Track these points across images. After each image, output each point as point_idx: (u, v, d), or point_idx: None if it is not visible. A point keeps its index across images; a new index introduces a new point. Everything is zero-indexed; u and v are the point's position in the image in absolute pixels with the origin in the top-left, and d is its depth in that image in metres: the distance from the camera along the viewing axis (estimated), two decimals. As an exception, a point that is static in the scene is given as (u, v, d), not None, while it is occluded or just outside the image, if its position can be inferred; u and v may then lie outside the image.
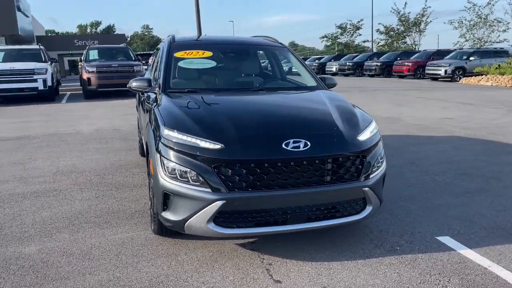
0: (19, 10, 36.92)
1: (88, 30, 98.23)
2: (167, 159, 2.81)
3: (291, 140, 2.82)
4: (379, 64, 28.17)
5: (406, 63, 25.45)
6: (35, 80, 13.19)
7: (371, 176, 3.02)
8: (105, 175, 4.99)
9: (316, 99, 3.68)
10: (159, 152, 2.88)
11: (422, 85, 19.37)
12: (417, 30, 40.35)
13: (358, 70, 30.35)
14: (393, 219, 3.66)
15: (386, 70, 27.56)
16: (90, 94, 14.49)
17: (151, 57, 6.18)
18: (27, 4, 42.05)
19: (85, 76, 14.10)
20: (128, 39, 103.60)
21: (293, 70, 4.62)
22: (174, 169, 2.76)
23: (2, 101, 13.99)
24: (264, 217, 2.81)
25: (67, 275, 2.74)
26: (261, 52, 4.68)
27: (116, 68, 14.37)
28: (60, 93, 16.92)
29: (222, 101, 3.49)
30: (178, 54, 4.06)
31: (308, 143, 2.83)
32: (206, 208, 2.68)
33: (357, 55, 33.65)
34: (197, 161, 2.72)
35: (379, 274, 2.76)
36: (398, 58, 27.44)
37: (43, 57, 14.67)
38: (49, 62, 14.62)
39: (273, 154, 2.76)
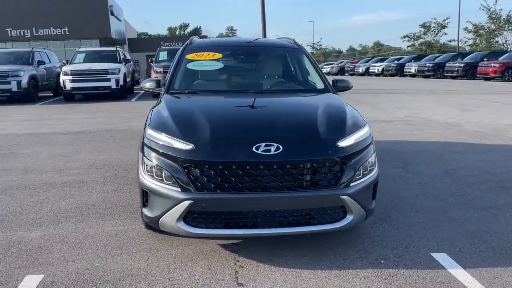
0: (112, 14, 39.99)
1: (177, 32, 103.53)
2: (147, 158, 2.92)
3: (263, 144, 2.78)
4: (462, 65, 26.23)
5: (492, 64, 23.42)
6: (109, 80, 14.28)
7: (352, 184, 2.87)
8: (132, 170, 5.28)
9: (310, 103, 3.58)
10: (142, 151, 3.01)
11: (506, 89, 17.73)
12: (510, 28, 37.00)
13: (438, 71, 28.54)
14: (394, 230, 3.44)
15: (470, 72, 25.58)
16: (158, 93, 15.30)
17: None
18: (120, 9, 45.34)
19: (153, 76, 14.94)
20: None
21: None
22: (152, 168, 2.87)
23: (83, 98, 15.28)
24: (234, 220, 2.80)
25: (52, 261, 2.96)
26: (276, 54, 4.66)
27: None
28: (134, 91, 18.09)
29: (212, 103, 3.55)
30: (189, 56, 4.18)
31: (281, 147, 2.78)
32: (176, 207, 2.74)
33: (439, 56, 31.67)
34: (170, 160, 2.79)
35: (347, 287, 2.63)
36: (485, 59, 25.32)
37: (118, 58, 15.83)
38: (123, 63, 15.71)
39: (242, 157, 2.75)
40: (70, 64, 15.23)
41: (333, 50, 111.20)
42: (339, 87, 4.16)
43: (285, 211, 2.81)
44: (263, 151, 2.75)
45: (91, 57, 15.77)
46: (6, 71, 13.56)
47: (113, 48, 16.93)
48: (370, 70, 36.33)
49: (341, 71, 42.96)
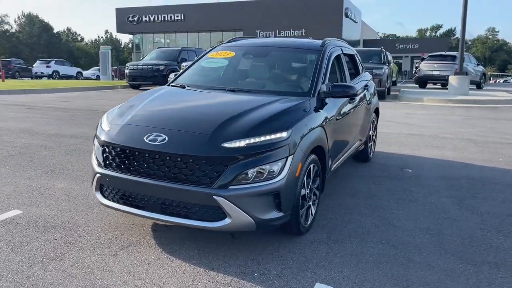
0: (347, 16, 41.38)
1: (428, 34, 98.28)
2: (96, 138, 3.54)
3: (154, 134, 3.03)
4: None
5: None
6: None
7: (232, 187, 2.82)
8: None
9: (251, 104, 3.43)
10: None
11: None
12: None
13: None
14: (297, 254, 3.10)
15: None
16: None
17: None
18: (357, 11, 46.37)
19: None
20: (469, 43, 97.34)
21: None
22: (93, 146, 3.49)
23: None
24: (128, 198, 3.16)
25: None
26: (286, 55, 4.52)
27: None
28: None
29: (168, 95, 3.88)
30: (210, 54, 4.56)
31: (167, 138, 2.97)
32: (94, 179, 3.31)
33: None
34: (97, 139, 3.36)
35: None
36: None
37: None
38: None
39: (133, 143, 3.07)
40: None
41: None
42: (334, 93, 3.81)
43: (166, 200, 2.99)
44: (150, 140, 3.00)
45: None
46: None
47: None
48: None
49: None
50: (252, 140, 2.92)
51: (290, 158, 3.00)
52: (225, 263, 2.94)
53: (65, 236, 3.28)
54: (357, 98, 4.76)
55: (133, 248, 3.12)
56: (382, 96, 15.41)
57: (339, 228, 3.58)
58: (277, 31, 41.64)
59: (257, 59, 4.55)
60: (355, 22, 45.85)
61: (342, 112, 4.22)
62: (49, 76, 32.90)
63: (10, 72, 32.25)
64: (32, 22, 71.90)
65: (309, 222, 3.47)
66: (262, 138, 2.95)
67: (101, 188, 3.27)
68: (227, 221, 2.85)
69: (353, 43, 37.67)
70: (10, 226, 3.44)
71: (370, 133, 5.70)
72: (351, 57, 5.45)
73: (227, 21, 41.48)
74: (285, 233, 3.37)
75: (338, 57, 4.63)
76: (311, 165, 3.37)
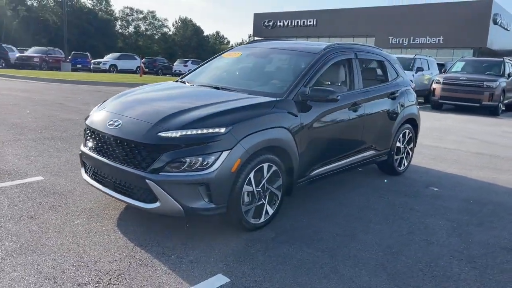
0: (496, 23, 37.36)
1: None
2: None
3: (115, 119, 3.43)
4: None
5: None
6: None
7: (162, 173, 3.07)
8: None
9: (218, 100, 3.62)
10: None
11: None
12: None
13: None
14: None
15: None
16: (434, 104, 14.36)
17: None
18: (510, 17, 41.57)
19: (433, 86, 14.08)
20: None
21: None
22: None
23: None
24: (96, 174, 3.59)
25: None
26: (284, 58, 4.53)
27: (463, 81, 13.46)
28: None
29: (159, 88, 4.23)
30: (224, 55, 4.83)
31: (121, 124, 3.34)
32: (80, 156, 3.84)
33: None
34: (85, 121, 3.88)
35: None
36: None
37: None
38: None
39: (98, 126, 3.50)
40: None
41: None
42: (312, 96, 3.78)
43: (117, 179, 3.35)
44: (109, 125, 3.41)
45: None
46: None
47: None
48: None
49: None
50: (187, 132, 3.12)
51: (225, 153, 3.12)
52: (157, 243, 3.19)
53: (54, 202, 3.87)
54: (365, 105, 4.54)
55: (95, 218, 3.56)
56: (494, 112, 13.88)
57: (294, 231, 3.56)
58: (411, 38, 39.66)
59: (256, 60, 4.67)
60: (507, 30, 41.19)
61: (333, 117, 4.12)
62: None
63: (154, 69, 36.67)
64: (186, 26, 79.68)
65: (261, 220, 3.52)
66: (199, 131, 3.13)
67: (84, 164, 3.78)
68: (157, 204, 3.11)
69: (504, 53, 33.79)
70: (25, 188, 4.17)
71: (399, 145, 5.34)
72: (379, 63, 5.20)
73: (359, 27, 40.81)
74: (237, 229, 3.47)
75: (344, 62, 4.51)
76: (264, 164, 3.42)
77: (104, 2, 72.39)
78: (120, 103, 3.78)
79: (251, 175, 3.34)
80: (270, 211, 3.62)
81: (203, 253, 3.08)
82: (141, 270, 2.80)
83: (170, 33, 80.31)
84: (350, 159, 4.52)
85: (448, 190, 5.04)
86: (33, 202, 3.82)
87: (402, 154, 5.49)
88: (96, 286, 2.57)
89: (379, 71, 5.30)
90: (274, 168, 3.53)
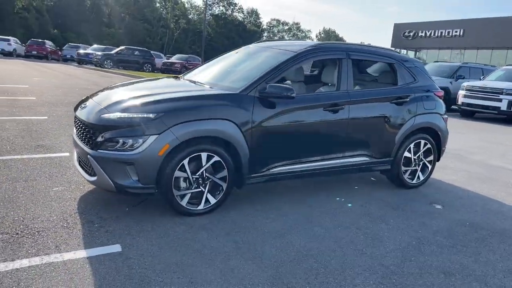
0: None
1: None
2: None
3: (85, 104, 3.95)
4: None
5: None
6: (499, 100, 12.88)
7: (100, 150, 3.48)
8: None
9: (171, 90, 3.94)
10: None
11: None
12: None
13: None
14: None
15: None
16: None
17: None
18: None
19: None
20: None
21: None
22: None
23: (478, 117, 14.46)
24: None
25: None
26: (267, 55, 4.51)
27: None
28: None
29: (147, 82, 4.62)
30: (225, 54, 5.09)
31: (86, 108, 3.84)
32: None
33: None
34: None
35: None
36: None
37: None
38: None
39: (76, 110, 4.06)
40: (483, 80, 14.68)
41: None
42: (269, 92, 3.81)
43: (80, 155, 3.84)
44: (80, 108, 3.95)
45: (509, 75, 14.18)
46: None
47: None
48: None
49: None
50: (122, 115, 3.47)
51: (153, 137, 3.39)
52: (96, 213, 3.60)
53: (59, 173, 4.57)
54: (351, 107, 4.31)
55: (77, 189, 4.12)
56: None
57: (230, 222, 3.64)
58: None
59: (243, 58, 4.78)
60: None
61: (299, 116, 4.06)
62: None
63: None
64: (328, 37, 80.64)
65: (199, 207, 3.68)
66: (132, 115, 3.46)
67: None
68: (95, 178, 3.54)
69: None
70: (50, 160, 4.98)
71: (408, 155, 4.88)
72: (388, 66, 4.87)
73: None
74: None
75: (331, 62, 4.37)
76: (203, 153, 3.59)
77: (254, 15, 77.47)
78: (104, 91, 4.31)
79: (185, 162, 3.53)
80: (212, 200, 3.75)
81: (124, 227, 3.38)
82: (61, 230, 3.22)
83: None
84: (329, 162, 4.34)
85: (452, 210, 4.47)
86: (44, 173, 4.55)
87: (415, 166, 5.00)
88: (14, 236, 3.07)
89: (386, 74, 4.94)
90: (216, 158, 3.66)
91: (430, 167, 5.14)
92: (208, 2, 73.48)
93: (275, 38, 79.77)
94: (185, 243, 3.20)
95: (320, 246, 3.32)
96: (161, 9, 70.17)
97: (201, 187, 3.67)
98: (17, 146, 5.47)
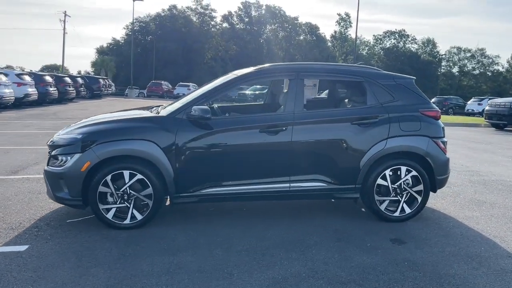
0: None
1: None
2: None
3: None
4: None
5: None
6: None
7: (47, 167, 4.14)
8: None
9: (115, 117, 4.35)
10: None
11: None
12: None
13: None
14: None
15: None
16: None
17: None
18: None
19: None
20: None
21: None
22: None
23: None
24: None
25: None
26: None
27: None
28: None
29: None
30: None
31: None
32: None
33: None
34: None
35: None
36: None
37: None
38: None
39: None
40: None
41: None
42: (192, 115, 3.99)
43: None
44: None
45: None
46: None
47: None
48: None
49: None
50: (62, 136, 4.10)
51: (77, 155, 3.92)
52: (57, 218, 4.26)
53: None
54: (294, 129, 4.10)
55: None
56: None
57: (144, 239, 3.84)
58: None
59: (214, 82, 4.83)
60: None
61: (230, 138, 4.08)
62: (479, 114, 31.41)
63: (444, 109, 34.22)
64: None
65: (125, 222, 4.00)
66: (65, 136, 4.07)
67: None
68: (46, 189, 4.22)
69: None
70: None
71: (382, 182, 4.25)
72: (355, 84, 4.46)
73: None
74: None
75: (277, 83, 4.27)
76: (125, 171, 3.95)
77: (430, 45, 73.96)
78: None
79: (108, 178, 3.93)
80: (139, 216, 4.02)
81: (54, 233, 3.90)
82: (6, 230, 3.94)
83: (503, 70, 73.07)
84: (272, 186, 4.15)
85: (421, 244, 3.75)
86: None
87: (396, 196, 4.32)
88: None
89: (354, 93, 4.47)
90: (139, 176, 3.96)
91: (420, 198, 4.38)
92: (378, 37, 73.63)
93: (455, 67, 73.90)
94: (90, 247, 3.57)
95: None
96: (332, 48, 72.79)
97: (126, 203, 3.99)
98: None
